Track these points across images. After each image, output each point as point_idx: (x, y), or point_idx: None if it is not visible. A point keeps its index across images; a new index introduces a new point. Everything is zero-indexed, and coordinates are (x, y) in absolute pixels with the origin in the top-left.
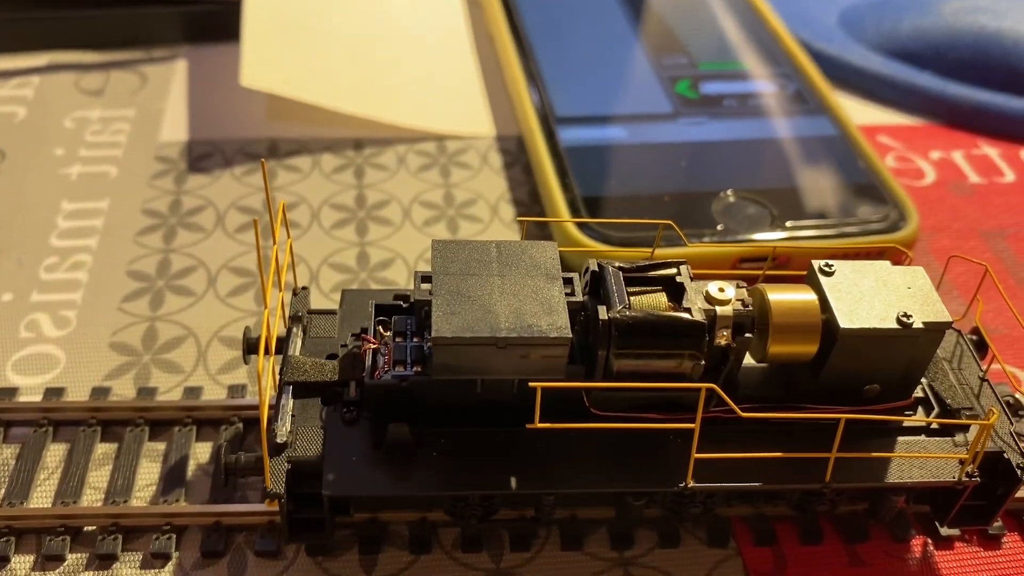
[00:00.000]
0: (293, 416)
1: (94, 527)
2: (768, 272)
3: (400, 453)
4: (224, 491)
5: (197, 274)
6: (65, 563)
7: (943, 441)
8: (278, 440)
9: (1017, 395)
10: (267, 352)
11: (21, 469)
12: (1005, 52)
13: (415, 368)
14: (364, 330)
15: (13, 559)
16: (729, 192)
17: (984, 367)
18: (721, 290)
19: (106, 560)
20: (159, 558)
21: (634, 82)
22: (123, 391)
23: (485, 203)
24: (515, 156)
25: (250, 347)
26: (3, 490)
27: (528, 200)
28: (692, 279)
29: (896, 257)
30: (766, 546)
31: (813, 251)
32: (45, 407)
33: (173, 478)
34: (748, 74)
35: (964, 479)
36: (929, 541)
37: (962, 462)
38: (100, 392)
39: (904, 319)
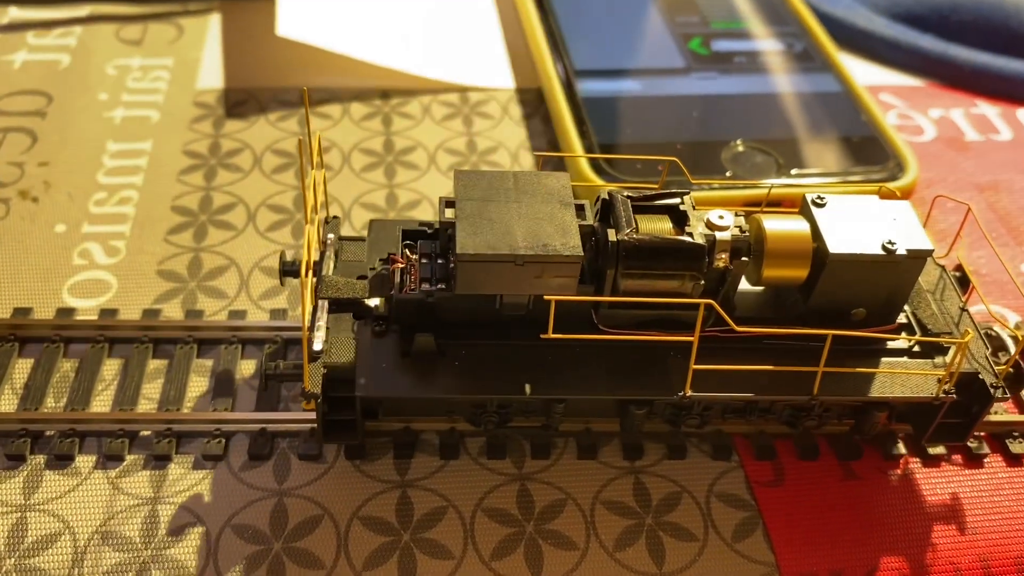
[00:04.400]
0: (328, 329)
1: (149, 431)
2: (766, 209)
3: (425, 361)
4: (269, 401)
5: (237, 210)
6: (124, 463)
7: (923, 362)
8: (315, 348)
9: (996, 328)
10: (293, 273)
11: (81, 380)
12: (1006, 16)
13: (439, 285)
14: (392, 254)
15: (77, 458)
16: (739, 142)
17: (964, 299)
18: (721, 217)
19: (161, 460)
20: (209, 459)
21: (649, 39)
22: (172, 313)
23: (506, 151)
24: (534, 107)
25: (285, 270)
26: (66, 398)
27: (547, 148)
28: (695, 208)
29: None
30: (766, 460)
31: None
32: (101, 325)
33: (221, 390)
34: (757, 33)
35: (941, 396)
36: (918, 460)
37: (940, 380)
38: (151, 313)
39: (888, 246)
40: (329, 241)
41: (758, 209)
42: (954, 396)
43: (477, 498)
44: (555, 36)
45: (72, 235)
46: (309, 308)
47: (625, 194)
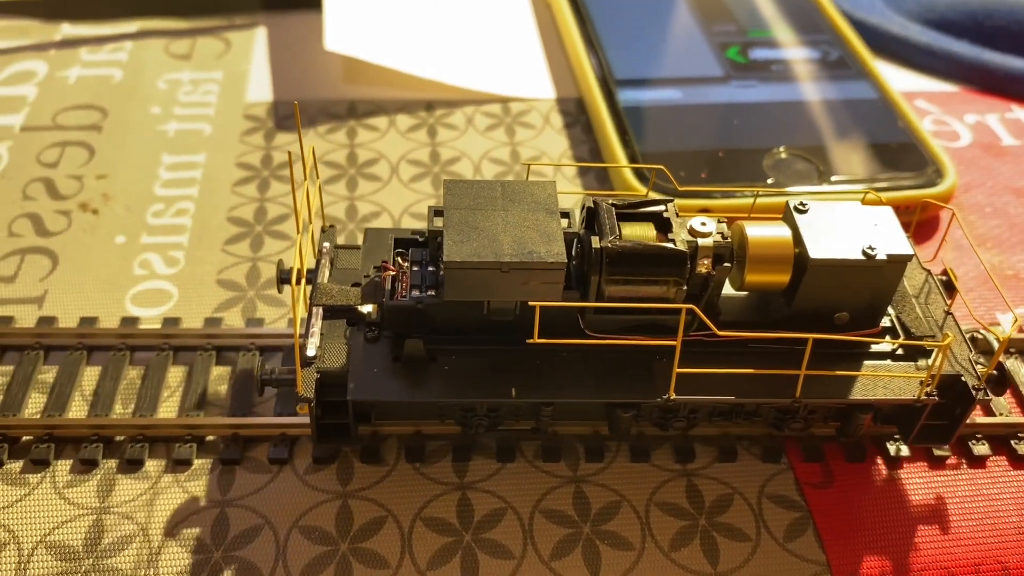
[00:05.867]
0: (322, 335)
1: (215, 436)
2: (752, 215)
3: (415, 366)
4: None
5: (291, 221)
6: (192, 467)
7: (907, 365)
8: (308, 353)
9: (982, 332)
10: (299, 279)
11: (147, 387)
12: None
13: (429, 292)
14: (385, 261)
15: (147, 463)
16: (781, 149)
17: (950, 303)
18: (703, 224)
19: (229, 464)
20: (275, 463)
21: (687, 48)
22: (232, 321)
23: (548, 160)
24: (575, 117)
25: (283, 279)
26: (133, 405)
27: (588, 157)
28: (678, 215)
29: (934, 209)
30: (815, 462)
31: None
32: (165, 333)
33: (285, 395)
34: (793, 41)
35: (923, 398)
36: (964, 462)
37: (922, 383)
38: (212, 321)
39: (869, 251)
40: (325, 249)
41: (743, 216)
42: (936, 398)
43: (535, 500)
44: (594, 46)
45: (132, 246)
46: (303, 315)
47: (610, 202)
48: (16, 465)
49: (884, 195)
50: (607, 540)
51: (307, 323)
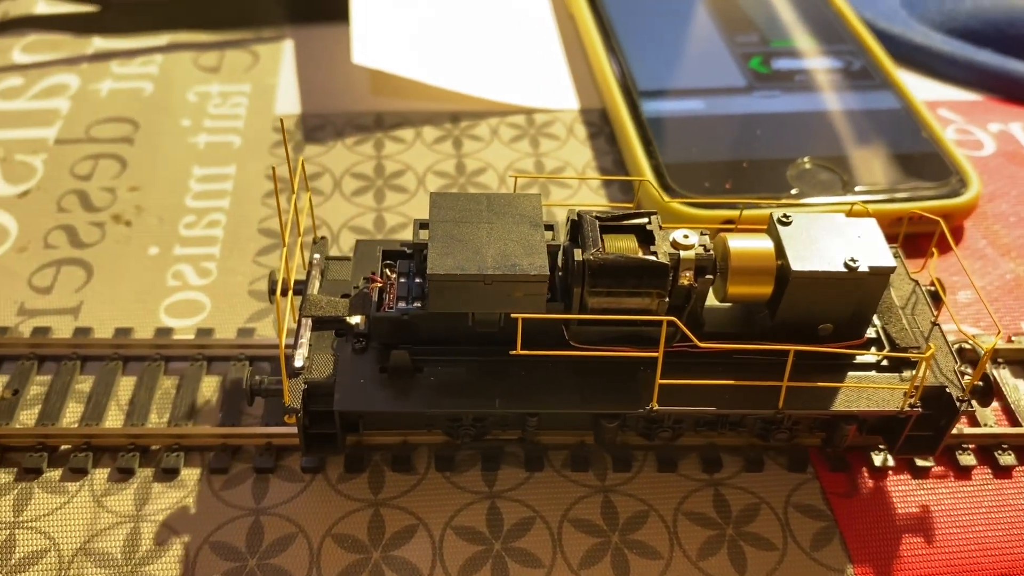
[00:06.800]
0: (310, 346)
1: (251, 445)
2: (739, 226)
3: (402, 377)
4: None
5: (321, 232)
6: (227, 475)
7: (891, 377)
8: (296, 365)
9: (969, 343)
10: (285, 292)
11: (183, 397)
12: None
13: (416, 303)
14: (373, 273)
15: (183, 471)
16: (805, 159)
17: (936, 314)
18: (686, 236)
19: (263, 472)
20: (308, 471)
21: (710, 58)
22: (265, 332)
23: (573, 170)
24: (598, 127)
25: (273, 289)
26: (168, 414)
27: (612, 167)
28: (660, 228)
29: (959, 221)
30: (841, 472)
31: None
32: (199, 344)
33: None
34: (816, 52)
35: (907, 409)
36: (989, 471)
37: (906, 394)
38: (245, 332)
39: (851, 263)
40: (315, 261)
41: (730, 228)
42: (920, 409)
43: (563, 509)
44: (618, 57)
45: (165, 257)
46: (291, 326)
47: (594, 214)
48: (55, 473)
49: (908, 205)
50: (635, 549)
51: (296, 334)
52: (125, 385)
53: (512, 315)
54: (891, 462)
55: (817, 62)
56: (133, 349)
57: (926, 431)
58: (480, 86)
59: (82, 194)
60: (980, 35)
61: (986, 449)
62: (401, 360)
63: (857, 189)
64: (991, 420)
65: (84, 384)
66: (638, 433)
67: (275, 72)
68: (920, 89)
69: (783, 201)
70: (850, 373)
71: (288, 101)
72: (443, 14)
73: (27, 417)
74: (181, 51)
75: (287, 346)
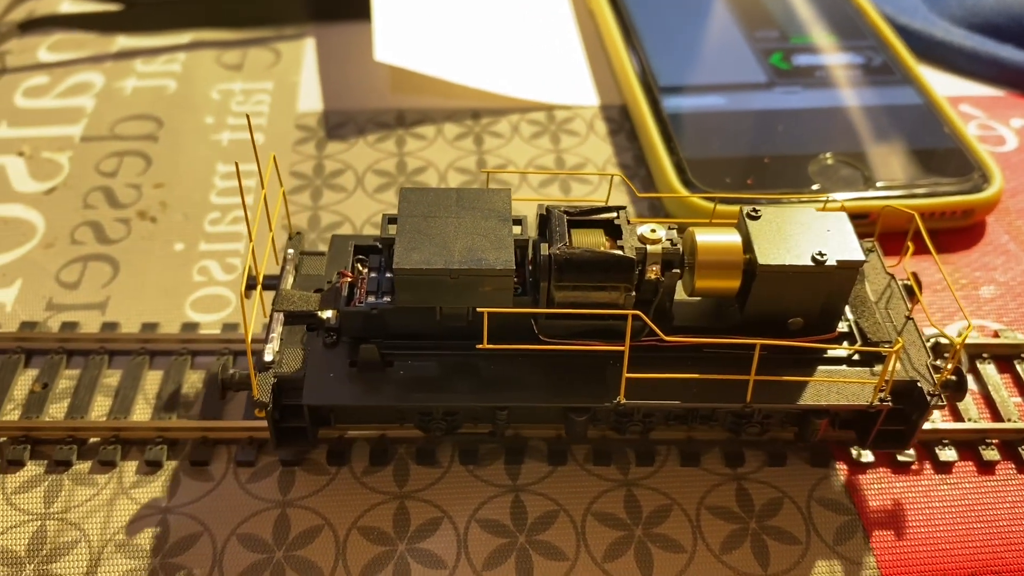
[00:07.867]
0: (281, 340)
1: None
2: (713, 220)
3: (372, 371)
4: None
5: (343, 229)
6: (254, 468)
7: (862, 371)
8: (266, 359)
9: (943, 338)
10: (254, 286)
11: (210, 391)
12: None
13: (385, 298)
14: (345, 267)
15: (211, 464)
16: (827, 155)
17: (911, 308)
18: (653, 231)
19: (289, 465)
20: (333, 464)
21: (730, 54)
22: None
23: (593, 167)
24: (619, 124)
25: (250, 284)
26: (196, 407)
27: (633, 164)
28: (629, 223)
29: (981, 216)
30: (864, 466)
31: (896, 209)
32: (224, 339)
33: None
34: (836, 47)
35: (877, 403)
36: (1012, 465)
37: (876, 388)
38: None
39: (818, 257)
40: (289, 256)
41: (703, 221)
42: (890, 404)
43: (587, 502)
44: (638, 53)
45: (190, 253)
46: (260, 320)
47: (562, 208)
48: (85, 466)
49: (930, 200)
50: (659, 542)
51: (267, 328)
52: (152, 379)
53: (478, 309)
54: (869, 456)
55: (838, 58)
56: (160, 344)
57: (900, 425)
58: (501, 83)
59: (107, 191)
60: (1003, 30)
61: (1010, 444)
62: (370, 354)
63: (878, 185)
64: (1014, 416)
65: (112, 378)
66: (609, 427)
67: (297, 70)
68: (942, 85)
69: (805, 197)
70: (821, 367)
71: (310, 98)
72: (464, 11)
73: (56, 410)
74: (204, 49)
75: (259, 341)
